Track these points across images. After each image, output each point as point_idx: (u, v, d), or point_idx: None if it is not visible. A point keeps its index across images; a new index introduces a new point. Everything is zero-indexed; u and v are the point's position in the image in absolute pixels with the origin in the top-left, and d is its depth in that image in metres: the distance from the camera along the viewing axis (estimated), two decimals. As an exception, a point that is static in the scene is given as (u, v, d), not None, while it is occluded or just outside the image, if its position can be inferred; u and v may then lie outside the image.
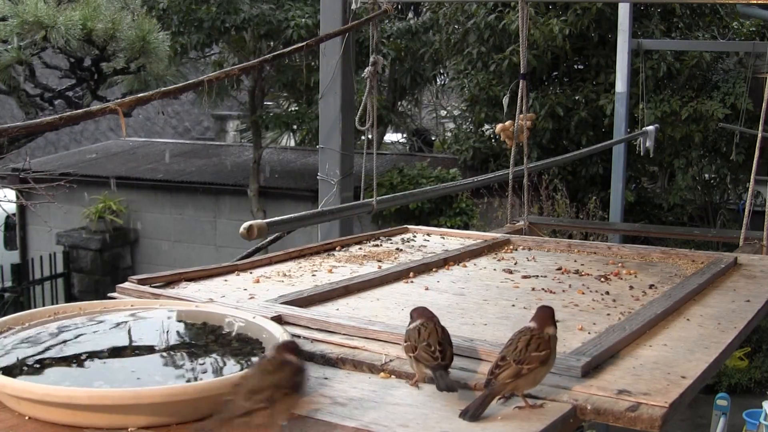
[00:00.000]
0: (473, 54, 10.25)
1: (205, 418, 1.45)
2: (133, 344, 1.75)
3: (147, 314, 1.91)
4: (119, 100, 2.80)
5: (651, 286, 2.52)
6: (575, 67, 10.51)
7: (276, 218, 3.18)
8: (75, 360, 1.62)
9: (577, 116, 9.80)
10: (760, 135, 3.50)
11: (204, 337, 1.78)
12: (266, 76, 11.49)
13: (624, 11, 8.17)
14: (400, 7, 12.14)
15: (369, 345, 1.86)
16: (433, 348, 1.60)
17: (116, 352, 1.68)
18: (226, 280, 2.50)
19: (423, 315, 1.71)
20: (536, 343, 1.56)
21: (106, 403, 1.39)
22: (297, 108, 11.81)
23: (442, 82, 14.51)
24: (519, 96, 3.87)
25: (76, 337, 1.73)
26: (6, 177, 7.35)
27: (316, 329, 1.97)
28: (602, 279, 2.62)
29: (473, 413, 1.48)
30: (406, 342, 1.68)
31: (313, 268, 2.72)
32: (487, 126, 10.73)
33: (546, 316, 1.63)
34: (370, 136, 3.88)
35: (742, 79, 9.47)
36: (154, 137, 16.77)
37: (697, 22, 10.47)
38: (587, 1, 8.75)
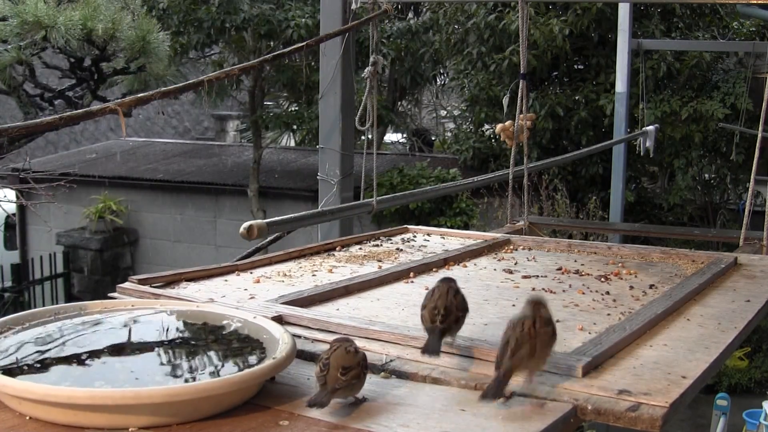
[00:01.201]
0: (473, 54, 10.25)
1: (207, 418, 1.45)
2: (134, 344, 1.75)
3: (147, 314, 1.91)
4: (119, 100, 2.80)
5: (651, 286, 2.52)
6: (575, 67, 10.52)
7: (276, 218, 3.19)
8: (75, 360, 1.62)
9: (577, 116, 9.80)
10: (760, 135, 3.50)
11: (204, 337, 1.78)
12: (266, 76, 11.48)
13: (624, 11, 8.17)
14: (400, 7, 12.14)
15: (369, 345, 1.86)
16: (437, 310, 1.66)
17: (117, 352, 1.68)
18: (226, 280, 2.50)
19: (442, 280, 1.77)
20: (541, 322, 1.62)
21: (107, 403, 1.39)
22: (297, 108, 11.81)
23: (442, 82, 14.51)
24: (519, 96, 3.87)
25: (77, 337, 1.73)
26: (6, 177, 7.34)
27: (317, 329, 1.97)
28: (602, 279, 2.62)
29: (495, 392, 1.52)
30: (423, 301, 1.74)
31: (313, 268, 2.72)
32: (487, 126, 10.73)
33: (539, 303, 1.66)
34: (370, 136, 3.88)
35: (742, 79, 9.47)
36: (154, 137, 16.77)
37: (697, 22, 10.47)
38: (587, 1, 8.75)
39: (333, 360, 1.51)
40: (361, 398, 1.55)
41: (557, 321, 2.07)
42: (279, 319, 1.96)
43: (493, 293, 2.44)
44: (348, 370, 1.49)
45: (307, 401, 1.48)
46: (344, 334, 1.78)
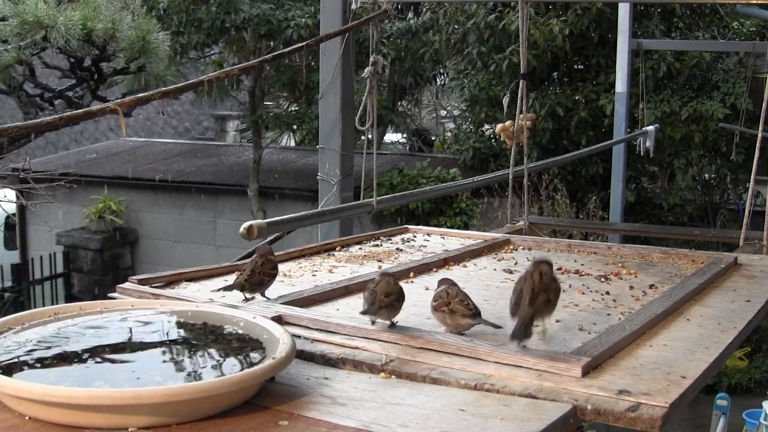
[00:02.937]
0: (473, 54, 10.25)
1: (207, 418, 1.45)
2: (134, 344, 1.75)
3: (147, 314, 1.91)
4: (119, 100, 2.80)
5: (651, 286, 2.52)
6: (575, 67, 10.51)
7: (276, 218, 3.18)
8: (75, 360, 1.62)
9: (577, 116, 9.79)
10: (760, 135, 3.50)
11: (204, 337, 1.78)
12: (266, 76, 11.48)
13: (624, 11, 8.17)
14: (400, 7, 12.14)
15: (369, 345, 1.86)
16: (466, 302, 1.94)
17: (117, 352, 1.68)
18: (226, 280, 2.50)
19: (446, 282, 2.03)
20: (548, 277, 1.88)
21: (107, 403, 1.39)
22: (297, 108, 11.81)
23: (442, 82, 14.52)
24: (519, 96, 3.87)
25: (77, 337, 1.73)
26: (6, 177, 7.34)
27: (317, 329, 1.97)
28: (602, 279, 2.62)
29: (524, 333, 1.77)
30: (435, 301, 1.98)
31: (313, 268, 2.72)
32: (487, 126, 10.73)
33: (546, 260, 1.93)
34: (370, 136, 3.88)
35: (742, 79, 9.47)
36: (154, 137, 16.77)
37: (697, 22, 10.47)
38: (587, 1, 8.74)
39: (379, 288, 1.91)
40: (395, 322, 1.94)
41: (557, 321, 2.08)
42: (279, 319, 1.96)
43: (493, 293, 2.44)
44: (389, 295, 1.91)
45: (361, 311, 1.92)
46: (385, 271, 2.16)
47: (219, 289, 2.26)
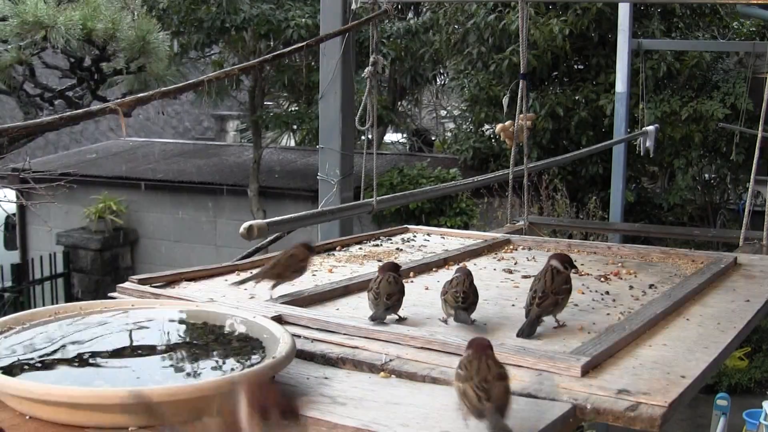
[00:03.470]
0: (473, 54, 10.25)
1: (205, 417, 1.45)
2: (134, 344, 1.75)
3: (147, 314, 1.91)
4: (119, 100, 2.80)
5: (651, 286, 2.52)
6: (575, 67, 10.51)
7: (276, 218, 3.18)
8: (76, 359, 1.63)
9: (577, 116, 9.79)
10: (760, 135, 3.50)
11: (204, 337, 1.78)
12: (266, 76, 11.48)
13: (624, 11, 8.16)
14: (400, 7, 12.13)
15: (369, 345, 1.86)
16: (458, 294, 2.05)
17: (117, 352, 1.68)
18: (226, 280, 2.51)
19: (460, 271, 2.17)
20: (561, 277, 2.05)
21: (107, 402, 1.39)
22: (297, 108, 11.81)
23: (442, 82, 14.51)
24: (519, 96, 3.87)
25: (77, 337, 1.73)
26: (6, 177, 7.34)
27: (317, 329, 1.97)
28: (602, 279, 2.63)
29: (528, 331, 1.95)
30: (443, 287, 2.12)
31: (313, 268, 2.72)
32: (487, 126, 10.73)
33: (563, 258, 2.10)
34: (370, 136, 3.88)
35: (742, 79, 9.47)
36: (154, 137, 16.77)
37: (697, 22, 10.47)
38: (587, 1, 8.74)
39: (381, 290, 2.05)
40: (403, 317, 2.09)
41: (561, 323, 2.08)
42: (279, 319, 1.96)
43: (493, 293, 2.44)
44: (391, 295, 2.04)
45: (369, 317, 1.99)
46: (389, 265, 2.19)
47: (237, 282, 2.30)
